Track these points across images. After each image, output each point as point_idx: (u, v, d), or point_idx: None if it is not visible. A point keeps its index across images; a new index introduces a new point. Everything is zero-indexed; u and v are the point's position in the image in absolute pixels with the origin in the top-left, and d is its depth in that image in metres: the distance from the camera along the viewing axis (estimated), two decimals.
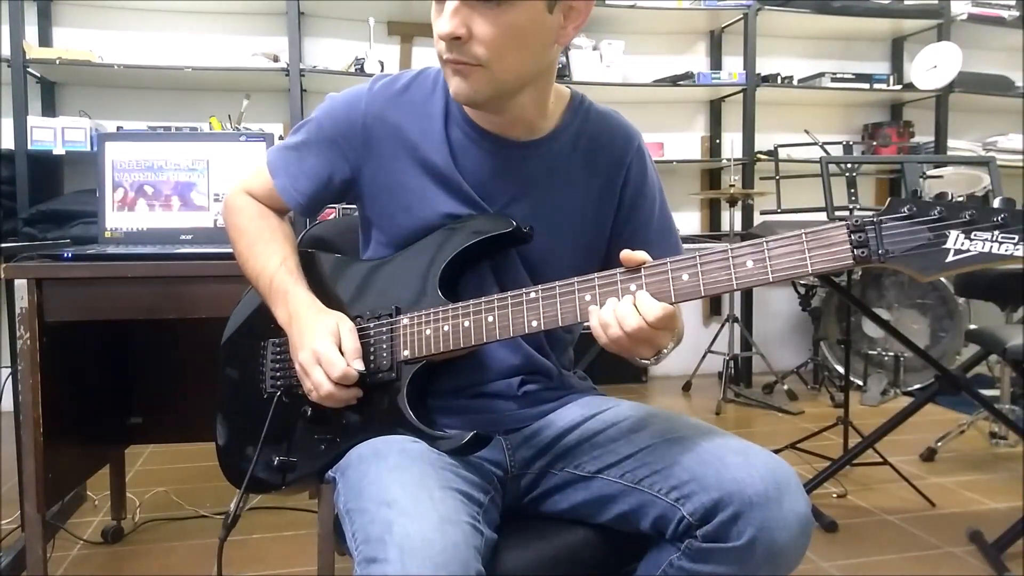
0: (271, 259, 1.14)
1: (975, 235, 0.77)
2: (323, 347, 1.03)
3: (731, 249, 0.87)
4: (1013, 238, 0.76)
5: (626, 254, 0.91)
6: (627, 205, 1.15)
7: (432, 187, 1.09)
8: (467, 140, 1.09)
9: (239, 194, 1.22)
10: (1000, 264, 0.77)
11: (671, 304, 0.89)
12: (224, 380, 1.24)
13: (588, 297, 0.93)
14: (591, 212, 1.13)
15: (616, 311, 0.89)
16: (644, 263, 0.91)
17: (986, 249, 0.77)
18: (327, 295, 1.13)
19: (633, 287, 0.91)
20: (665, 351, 0.94)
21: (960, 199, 0.81)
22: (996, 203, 0.77)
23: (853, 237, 0.81)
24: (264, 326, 1.16)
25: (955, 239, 0.78)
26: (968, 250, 0.77)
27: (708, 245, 0.90)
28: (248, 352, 1.20)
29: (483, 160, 1.09)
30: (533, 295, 0.97)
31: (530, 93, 1.05)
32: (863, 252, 0.81)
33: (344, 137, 1.11)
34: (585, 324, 0.96)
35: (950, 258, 0.78)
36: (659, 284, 0.89)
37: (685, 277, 0.89)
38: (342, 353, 1.03)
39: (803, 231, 0.84)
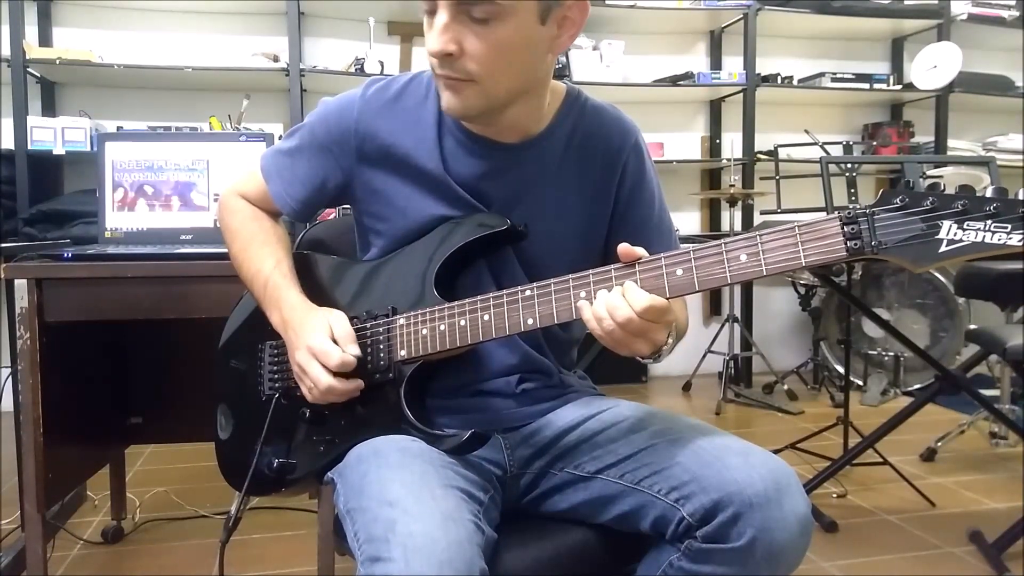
0: (265, 262, 1.14)
1: (968, 225, 0.77)
2: (316, 341, 1.03)
3: (725, 243, 0.87)
4: (1006, 227, 0.75)
5: (623, 247, 0.91)
6: (624, 202, 1.14)
7: (426, 193, 1.10)
8: (460, 146, 1.09)
9: (233, 196, 1.22)
10: (993, 253, 0.76)
11: (665, 298, 0.88)
12: (222, 382, 1.24)
13: (583, 294, 0.93)
14: (586, 209, 1.13)
15: (607, 302, 0.89)
16: (640, 258, 0.91)
17: (979, 239, 0.76)
18: (324, 297, 1.13)
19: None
20: (665, 348, 0.94)
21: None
22: (989, 193, 0.77)
23: (846, 229, 0.81)
24: (261, 328, 1.16)
25: (948, 229, 0.77)
26: (961, 240, 0.77)
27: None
28: (246, 354, 1.20)
29: (476, 164, 1.09)
30: (528, 293, 0.96)
31: (524, 102, 1.04)
32: (856, 244, 0.81)
33: (337, 144, 1.12)
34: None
35: (943, 248, 0.78)
36: (653, 279, 0.89)
37: (679, 272, 0.89)
38: (336, 343, 1.03)
39: (796, 223, 0.84)
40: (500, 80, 0.97)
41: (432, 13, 0.94)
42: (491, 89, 0.98)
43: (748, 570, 0.89)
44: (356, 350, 1.03)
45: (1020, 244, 0.74)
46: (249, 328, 1.21)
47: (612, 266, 0.92)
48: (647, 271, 0.90)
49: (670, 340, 0.94)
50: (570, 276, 0.94)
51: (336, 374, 1.02)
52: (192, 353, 1.64)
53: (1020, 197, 0.76)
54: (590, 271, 0.93)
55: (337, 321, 1.05)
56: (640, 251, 0.91)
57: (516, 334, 0.99)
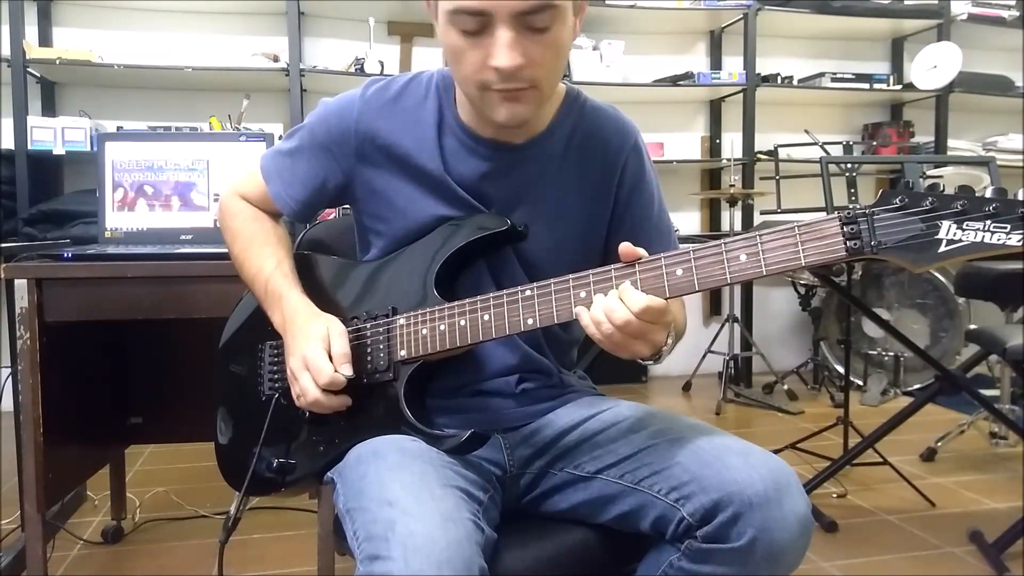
0: (266, 263, 1.14)
1: (967, 225, 0.77)
2: (312, 353, 1.03)
3: (724, 243, 0.87)
4: (1005, 227, 0.75)
5: (624, 247, 0.91)
6: (623, 202, 1.14)
7: (426, 193, 1.10)
8: (461, 146, 1.09)
9: (233, 197, 1.22)
10: (993, 254, 0.76)
11: (665, 299, 0.88)
12: (222, 382, 1.24)
13: (583, 294, 0.93)
14: (586, 209, 1.13)
15: (604, 305, 0.89)
16: (640, 258, 0.90)
17: (978, 239, 0.77)
18: (324, 297, 1.13)
19: (627, 283, 0.91)
20: (665, 349, 0.94)
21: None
22: (988, 193, 0.77)
23: (846, 229, 0.81)
24: (262, 329, 1.16)
25: (947, 229, 0.78)
26: (960, 240, 0.77)
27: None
28: (246, 354, 1.20)
29: (476, 165, 1.09)
30: (528, 293, 0.96)
31: None
32: (856, 244, 0.81)
33: (337, 145, 1.12)
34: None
35: (942, 248, 0.78)
36: (653, 279, 0.89)
37: (679, 272, 0.88)
38: (331, 358, 1.03)
39: (796, 224, 0.84)
40: (554, 80, 1.00)
41: (480, 31, 0.92)
42: (547, 91, 1.00)
43: (748, 570, 0.89)
44: (349, 371, 1.03)
45: (1019, 244, 0.75)
46: (249, 328, 1.21)
47: (612, 266, 0.92)
48: (647, 271, 0.90)
49: (669, 341, 0.94)
50: (570, 276, 0.94)
51: (325, 389, 1.02)
52: (192, 353, 1.65)
53: (1019, 197, 0.76)
54: (590, 271, 0.93)
55: (336, 334, 1.05)
56: (641, 251, 0.91)
57: (516, 334, 0.99)
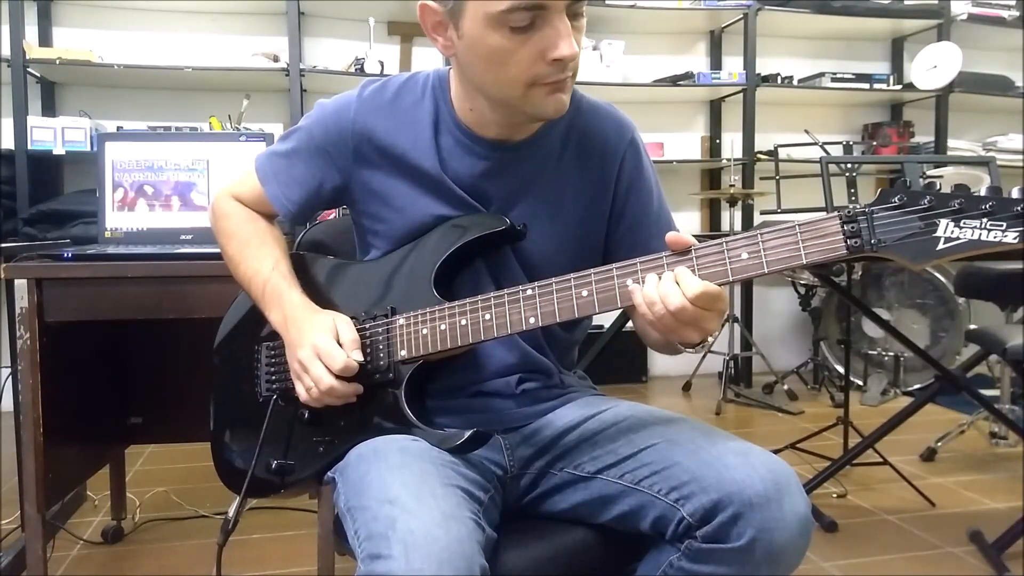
0: (263, 263, 1.14)
1: (964, 223, 0.78)
2: (322, 342, 1.03)
3: (726, 241, 0.87)
4: (1002, 225, 0.77)
5: (672, 235, 0.90)
6: (622, 199, 1.14)
7: (424, 193, 1.10)
8: (458, 145, 1.09)
9: (226, 198, 1.21)
10: (990, 251, 0.77)
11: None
12: (218, 384, 1.23)
13: (585, 293, 0.93)
14: (585, 207, 1.13)
15: (659, 288, 0.88)
16: (690, 246, 0.90)
17: (975, 236, 0.78)
18: (322, 297, 1.13)
19: (630, 282, 0.91)
20: (710, 338, 0.94)
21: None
22: (984, 191, 0.79)
23: (846, 228, 0.82)
24: (257, 329, 1.16)
25: (945, 227, 0.79)
26: (958, 238, 0.79)
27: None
28: (242, 356, 1.19)
29: (474, 164, 1.09)
30: (530, 292, 0.97)
31: None
32: (856, 242, 0.82)
33: (334, 146, 1.12)
34: (592, 323, 0.95)
35: (941, 246, 0.79)
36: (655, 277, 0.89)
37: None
38: (340, 347, 1.03)
39: (796, 223, 0.85)
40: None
41: (529, 26, 0.92)
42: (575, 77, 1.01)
43: (748, 570, 0.89)
44: (360, 356, 1.04)
45: (1015, 241, 0.76)
46: (244, 329, 1.21)
47: (614, 265, 0.92)
48: (648, 270, 0.90)
49: (717, 331, 0.94)
50: (571, 275, 0.94)
51: (337, 376, 1.02)
52: (192, 353, 1.64)
53: (1015, 196, 0.77)
54: (591, 270, 0.93)
55: (343, 325, 1.06)
56: (690, 239, 0.90)
57: (517, 333, 0.99)
